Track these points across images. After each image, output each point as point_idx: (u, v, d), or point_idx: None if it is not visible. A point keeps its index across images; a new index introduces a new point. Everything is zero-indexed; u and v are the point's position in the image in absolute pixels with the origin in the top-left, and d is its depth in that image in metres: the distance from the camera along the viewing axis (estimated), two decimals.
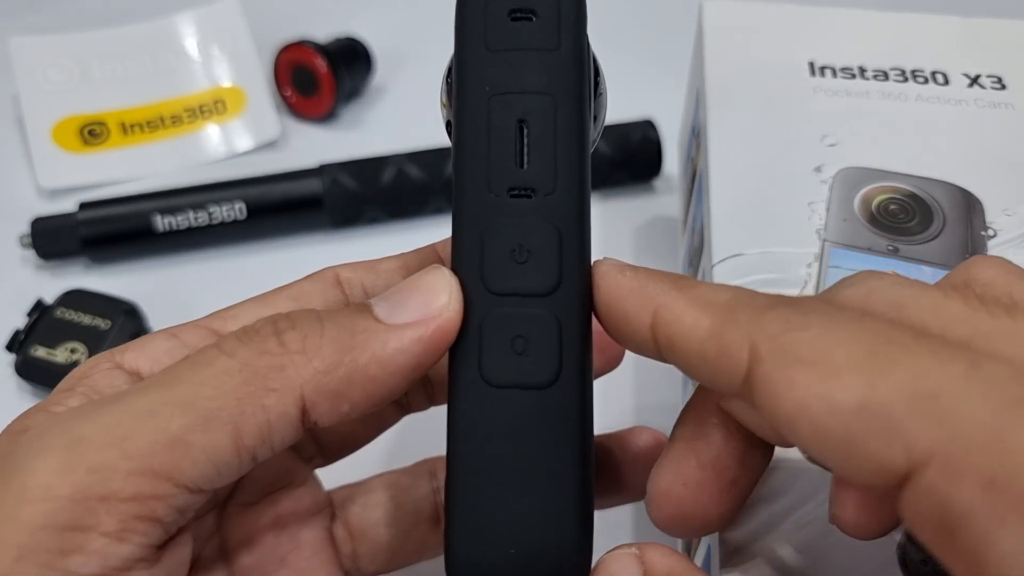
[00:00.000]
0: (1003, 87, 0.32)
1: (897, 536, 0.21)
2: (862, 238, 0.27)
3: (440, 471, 0.26)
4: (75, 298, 0.37)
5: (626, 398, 0.36)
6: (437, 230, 0.19)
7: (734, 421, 0.19)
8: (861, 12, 0.35)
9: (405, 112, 0.49)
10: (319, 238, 0.42)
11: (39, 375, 0.35)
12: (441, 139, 0.20)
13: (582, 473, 0.18)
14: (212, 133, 0.47)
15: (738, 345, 0.16)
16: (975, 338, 0.16)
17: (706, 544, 0.24)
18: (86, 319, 0.36)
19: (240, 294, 0.22)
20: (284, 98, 0.48)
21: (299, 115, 0.48)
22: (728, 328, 0.17)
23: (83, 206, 0.40)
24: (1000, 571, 0.13)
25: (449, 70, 0.21)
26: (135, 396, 0.18)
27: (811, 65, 0.33)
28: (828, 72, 0.32)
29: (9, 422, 0.19)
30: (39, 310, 0.36)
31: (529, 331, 0.18)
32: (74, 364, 0.35)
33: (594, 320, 0.19)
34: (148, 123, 0.46)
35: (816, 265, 0.26)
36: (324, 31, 0.48)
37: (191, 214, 0.40)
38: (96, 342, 0.35)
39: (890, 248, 0.27)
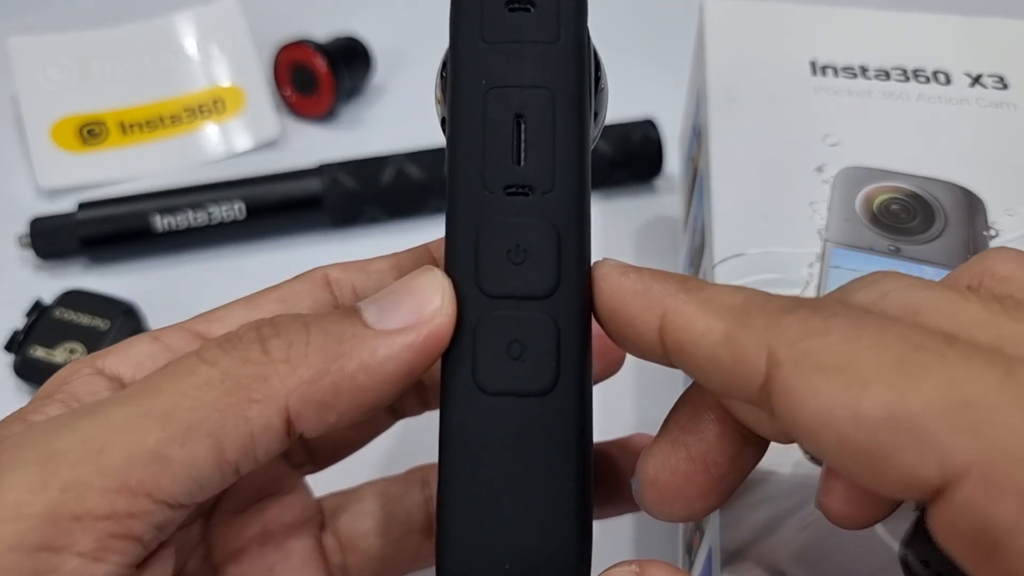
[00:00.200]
0: (1005, 87, 0.32)
1: (895, 548, 0.21)
2: (864, 238, 0.27)
3: (433, 479, 0.25)
4: (74, 298, 0.37)
5: (627, 404, 0.35)
6: (437, 230, 0.19)
7: (731, 417, 0.18)
8: (863, 11, 0.35)
9: (405, 111, 0.48)
10: (319, 238, 0.42)
11: (38, 375, 0.35)
12: (441, 138, 0.19)
13: (581, 484, 0.17)
14: (211, 133, 0.46)
15: (755, 351, 0.16)
16: (998, 344, 0.15)
17: (707, 546, 0.24)
18: (85, 319, 0.36)
19: (240, 294, 0.22)
20: (284, 98, 0.48)
21: (299, 114, 0.48)
22: (743, 333, 0.16)
23: (82, 206, 0.40)
24: None
25: (444, 64, 0.20)
26: (112, 407, 0.17)
27: (813, 64, 0.32)
28: (830, 71, 0.32)
29: None
30: (38, 310, 0.36)
31: (526, 335, 0.18)
32: None
33: (593, 323, 0.19)
34: (147, 123, 0.46)
35: (817, 265, 0.26)
36: (324, 30, 0.48)
37: (190, 214, 0.40)
38: (95, 342, 0.35)
39: (892, 248, 0.27)
